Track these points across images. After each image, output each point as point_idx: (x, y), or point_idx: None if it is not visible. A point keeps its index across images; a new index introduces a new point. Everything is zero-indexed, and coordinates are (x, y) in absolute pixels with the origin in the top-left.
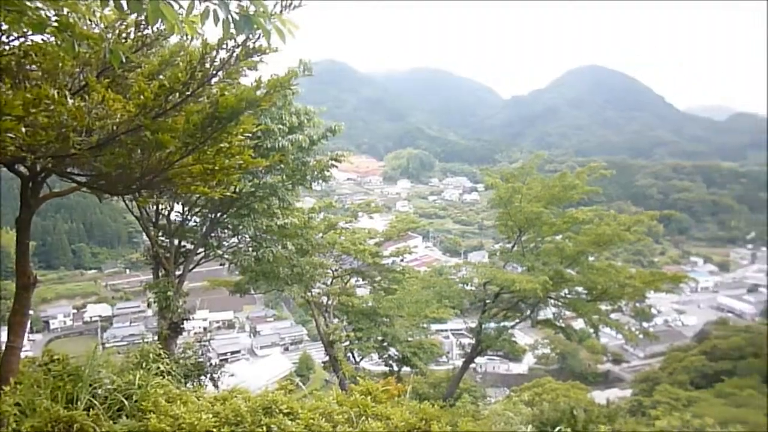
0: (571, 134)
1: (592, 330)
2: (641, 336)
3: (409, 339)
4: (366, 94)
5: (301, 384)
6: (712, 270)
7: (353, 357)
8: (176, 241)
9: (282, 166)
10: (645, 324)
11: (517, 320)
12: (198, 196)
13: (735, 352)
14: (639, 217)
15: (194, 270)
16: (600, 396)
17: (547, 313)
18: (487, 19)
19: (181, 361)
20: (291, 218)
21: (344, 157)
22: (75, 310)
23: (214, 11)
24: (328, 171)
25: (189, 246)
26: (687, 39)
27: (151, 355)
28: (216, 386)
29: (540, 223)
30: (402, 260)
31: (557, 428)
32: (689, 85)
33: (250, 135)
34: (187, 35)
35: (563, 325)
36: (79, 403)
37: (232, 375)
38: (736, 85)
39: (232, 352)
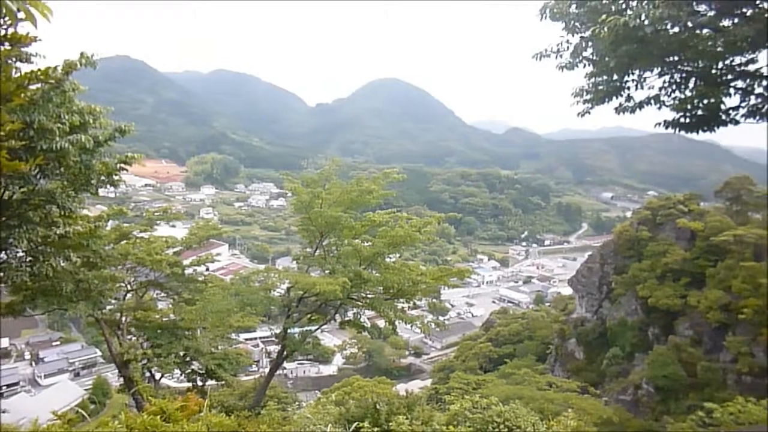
0: (373, 142)
1: (391, 326)
2: (437, 329)
3: (214, 351)
4: (166, 95)
5: (84, 413)
6: (495, 266)
7: (152, 376)
8: None
9: (62, 169)
10: (441, 317)
11: (322, 323)
12: None
13: (514, 337)
14: (428, 219)
15: None
16: (404, 388)
17: (357, 314)
18: (290, 26)
19: None
20: (74, 227)
21: (135, 160)
22: None
23: None
24: (116, 175)
25: None
26: (472, 60)
27: None
28: None
29: (340, 227)
30: (207, 269)
31: (354, 424)
32: (474, 101)
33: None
34: None
35: (367, 324)
36: None
37: (6, 411)
38: (511, 103)
39: (9, 385)
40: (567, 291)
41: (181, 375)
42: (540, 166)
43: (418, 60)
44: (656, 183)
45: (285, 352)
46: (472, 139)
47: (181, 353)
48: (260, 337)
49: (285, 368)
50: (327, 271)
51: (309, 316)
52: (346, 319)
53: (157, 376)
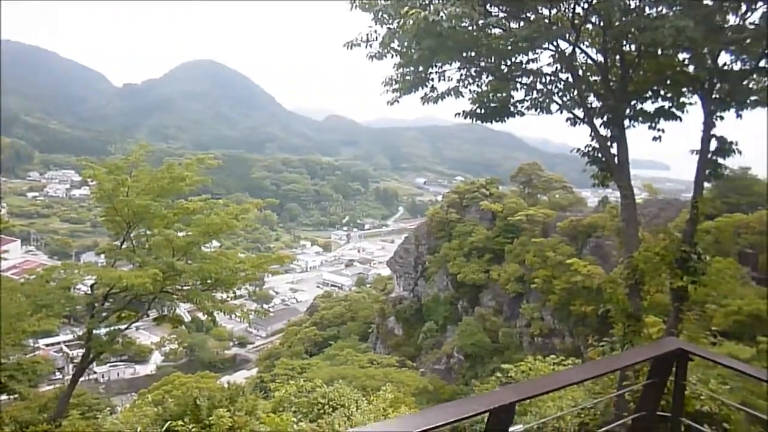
0: (188, 127)
1: (210, 318)
2: (259, 316)
3: (4, 361)
4: None
5: None
6: (318, 251)
7: None
8: None
9: None
10: (265, 305)
11: (134, 320)
12: None
13: (338, 319)
14: (245, 206)
15: None
16: (228, 380)
17: (170, 308)
18: None
19: None
20: None
21: None
22: None
23: None
24: None
25: None
26: (290, 45)
27: None
28: None
29: (150, 216)
30: None
31: (167, 423)
32: (293, 87)
33: None
34: None
35: (187, 317)
36: None
37: None
38: (331, 90)
39: None
40: (386, 272)
41: None
42: (359, 153)
43: (234, 42)
44: (463, 169)
45: (91, 355)
46: (292, 125)
47: None
48: (64, 341)
49: (95, 372)
50: (137, 264)
51: (118, 313)
52: (162, 314)
53: None
